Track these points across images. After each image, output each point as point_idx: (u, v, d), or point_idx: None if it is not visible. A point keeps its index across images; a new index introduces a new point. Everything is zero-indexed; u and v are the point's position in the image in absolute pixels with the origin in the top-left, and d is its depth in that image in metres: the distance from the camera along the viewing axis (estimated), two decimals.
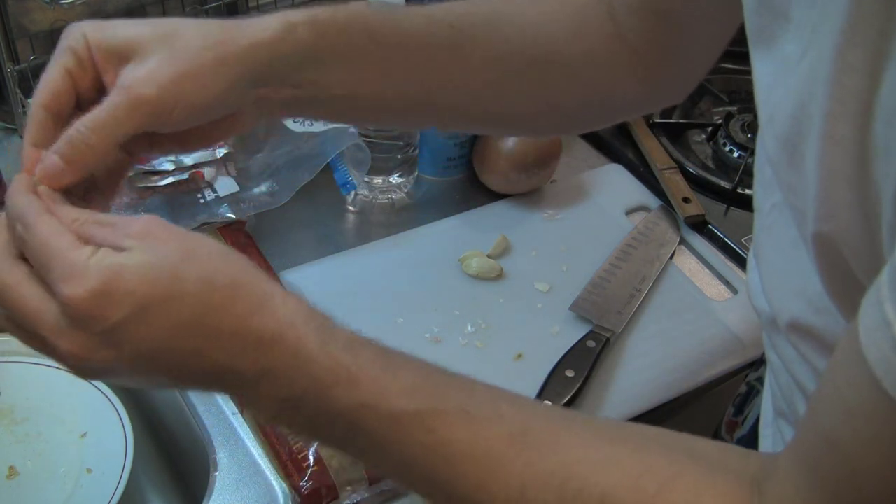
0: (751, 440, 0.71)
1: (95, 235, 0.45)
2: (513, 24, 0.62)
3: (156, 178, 0.90)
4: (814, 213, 0.40)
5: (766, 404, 0.64)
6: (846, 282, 0.40)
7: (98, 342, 0.43)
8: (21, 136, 1.00)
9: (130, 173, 0.89)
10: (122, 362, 0.44)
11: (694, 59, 0.68)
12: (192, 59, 0.50)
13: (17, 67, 0.94)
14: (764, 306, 0.53)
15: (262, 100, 0.55)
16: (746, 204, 0.98)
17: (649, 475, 0.43)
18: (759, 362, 0.80)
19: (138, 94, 0.49)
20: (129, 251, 0.43)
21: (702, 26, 0.64)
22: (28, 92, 0.96)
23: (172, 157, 0.91)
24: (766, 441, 0.64)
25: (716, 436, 0.82)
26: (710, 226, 0.96)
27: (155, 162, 0.91)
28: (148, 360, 0.44)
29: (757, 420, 0.68)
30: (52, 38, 0.99)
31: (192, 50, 0.51)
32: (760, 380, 0.77)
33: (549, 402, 0.76)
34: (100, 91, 0.52)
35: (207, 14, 1.08)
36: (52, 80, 0.51)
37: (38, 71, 0.98)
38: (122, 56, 0.50)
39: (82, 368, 0.45)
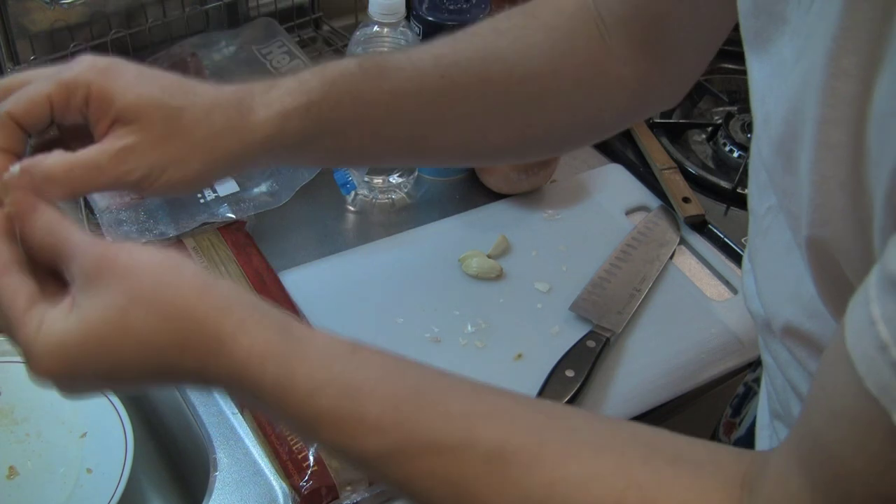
0: (748, 442, 0.71)
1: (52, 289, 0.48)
2: (500, 63, 0.63)
3: None
4: (807, 218, 0.40)
5: (763, 406, 0.64)
6: (839, 287, 0.40)
7: (65, 384, 0.47)
8: None
9: None
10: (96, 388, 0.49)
11: (687, 64, 0.68)
12: (186, 151, 0.53)
13: (17, 67, 0.94)
14: (758, 310, 0.53)
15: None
16: (746, 204, 0.98)
17: (633, 489, 0.42)
18: (757, 364, 0.80)
19: (126, 169, 0.52)
20: (73, 313, 0.45)
21: (695, 30, 0.64)
22: None
23: None
24: (763, 443, 0.64)
25: (713, 437, 0.81)
26: (710, 226, 0.96)
27: None
28: (124, 386, 0.49)
29: (754, 421, 0.68)
30: (52, 38, 0.99)
31: (188, 142, 0.53)
32: (758, 381, 0.77)
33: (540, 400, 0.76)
34: (79, 128, 0.53)
35: (207, 14, 1.08)
36: (31, 99, 0.51)
37: None
38: (121, 119, 0.52)
39: None
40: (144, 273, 0.45)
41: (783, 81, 0.42)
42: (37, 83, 0.52)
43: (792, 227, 0.43)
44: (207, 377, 0.45)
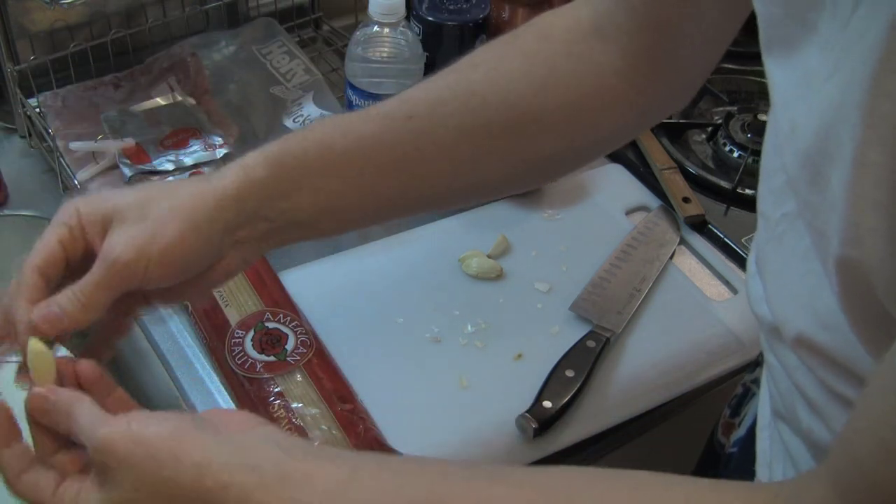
0: (748, 442, 0.71)
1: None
2: (473, 96, 0.62)
3: (156, 178, 0.90)
4: (839, 237, 0.39)
5: (764, 406, 0.64)
6: (868, 306, 0.40)
7: None
8: (21, 137, 1.00)
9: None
10: None
11: (692, 71, 0.67)
12: (164, 225, 0.55)
13: (17, 67, 0.94)
14: (766, 314, 0.52)
15: (240, 242, 0.59)
16: (746, 204, 0.98)
17: None
18: (755, 364, 0.80)
19: (114, 259, 0.55)
20: (100, 492, 0.49)
21: (700, 37, 0.63)
22: (28, 92, 0.96)
23: (172, 157, 0.91)
24: (764, 444, 0.63)
25: (711, 438, 0.81)
26: (710, 226, 0.96)
27: (155, 162, 0.91)
28: None
29: (754, 422, 0.67)
30: (52, 38, 0.99)
31: (163, 217, 0.56)
32: (756, 381, 0.77)
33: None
34: (90, 258, 0.57)
35: (207, 14, 1.08)
36: (46, 246, 0.56)
37: (38, 71, 0.98)
38: (106, 225, 0.56)
39: None
40: (145, 462, 0.48)
41: (813, 93, 0.42)
42: (42, 238, 0.57)
43: (816, 241, 0.43)
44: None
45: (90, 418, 0.50)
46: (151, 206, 0.56)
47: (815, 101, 0.41)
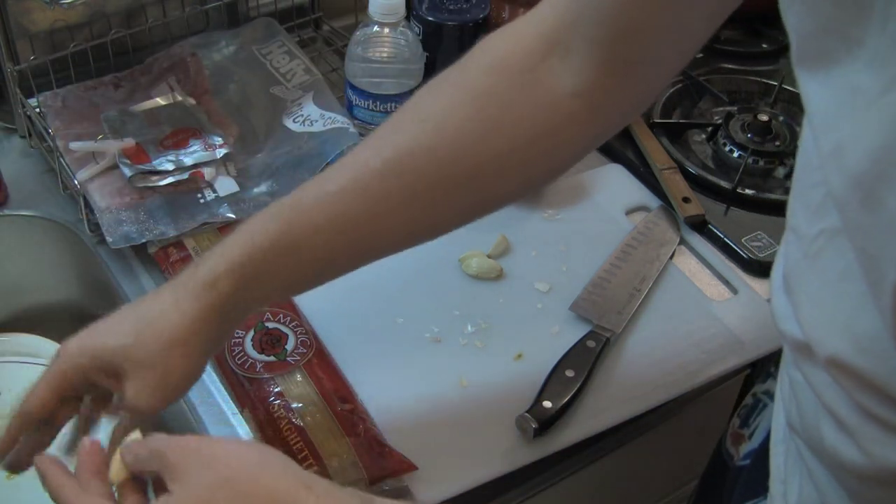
0: (761, 455, 0.69)
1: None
2: (428, 153, 0.63)
3: (156, 178, 0.90)
4: None
5: (778, 419, 0.62)
6: None
7: None
8: (21, 137, 1.00)
9: (132, 174, 0.89)
10: None
11: (655, 80, 0.66)
12: (168, 363, 0.60)
13: (17, 67, 0.94)
14: (794, 332, 0.50)
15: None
16: (746, 204, 0.98)
17: None
18: (766, 374, 0.79)
19: (140, 410, 0.60)
20: (168, 501, 0.49)
21: (671, 44, 0.61)
22: (28, 92, 0.96)
23: (172, 157, 0.91)
24: (778, 459, 0.62)
25: (719, 447, 0.81)
26: (710, 226, 0.96)
27: (155, 162, 0.91)
28: None
29: (767, 435, 0.66)
30: (51, 38, 0.99)
31: (165, 355, 0.60)
32: (768, 393, 0.76)
33: None
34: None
35: (207, 14, 1.08)
36: (40, 396, 0.62)
37: (38, 71, 0.98)
38: (112, 371, 0.61)
39: None
40: (228, 460, 0.49)
41: (862, 111, 0.40)
42: (39, 382, 0.62)
43: (864, 264, 0.41)
44: None
45: (164, 439, 0.52)
46: (151, 347, 0.60)
47: (866, 119, 0.40)
